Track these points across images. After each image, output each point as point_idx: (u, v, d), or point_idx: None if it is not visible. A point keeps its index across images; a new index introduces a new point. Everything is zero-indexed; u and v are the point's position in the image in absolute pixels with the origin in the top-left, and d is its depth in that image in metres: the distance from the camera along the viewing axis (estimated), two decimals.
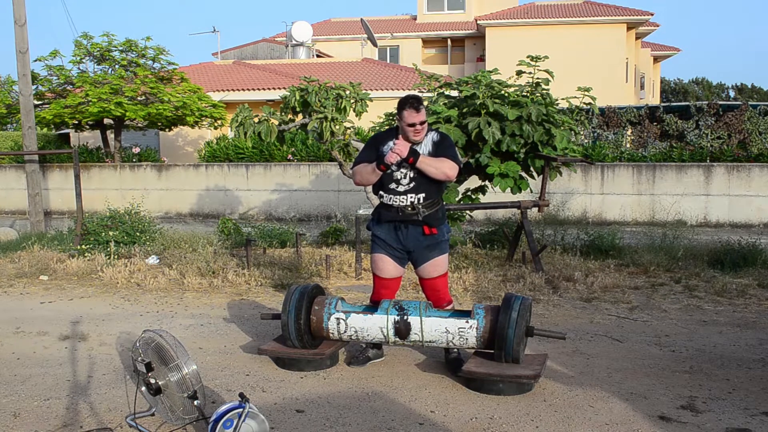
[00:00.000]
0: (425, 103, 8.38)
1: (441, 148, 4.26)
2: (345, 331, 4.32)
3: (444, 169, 4.17)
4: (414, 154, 4.12)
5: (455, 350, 4.41)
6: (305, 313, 4.35)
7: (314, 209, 15.33)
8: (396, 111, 4.31)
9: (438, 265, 4.36)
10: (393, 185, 4.25)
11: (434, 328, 4.15)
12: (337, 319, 4.32)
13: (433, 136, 4.33)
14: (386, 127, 9.32)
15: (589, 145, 15.27)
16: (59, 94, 16.76)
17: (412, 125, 4.17)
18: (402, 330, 4.19)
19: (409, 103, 4.18)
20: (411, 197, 4.22)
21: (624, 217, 14.02)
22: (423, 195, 4.22)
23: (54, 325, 5.57)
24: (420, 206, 4.23)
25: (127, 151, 18.19)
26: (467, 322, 4.12)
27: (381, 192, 4.35)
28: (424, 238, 4.30)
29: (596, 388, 4.06)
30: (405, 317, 4.19)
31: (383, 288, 4.47)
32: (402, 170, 4.22)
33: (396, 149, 4.09)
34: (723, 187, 13.82)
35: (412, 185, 4.21)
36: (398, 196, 4.24)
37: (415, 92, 9.69)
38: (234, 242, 9.36)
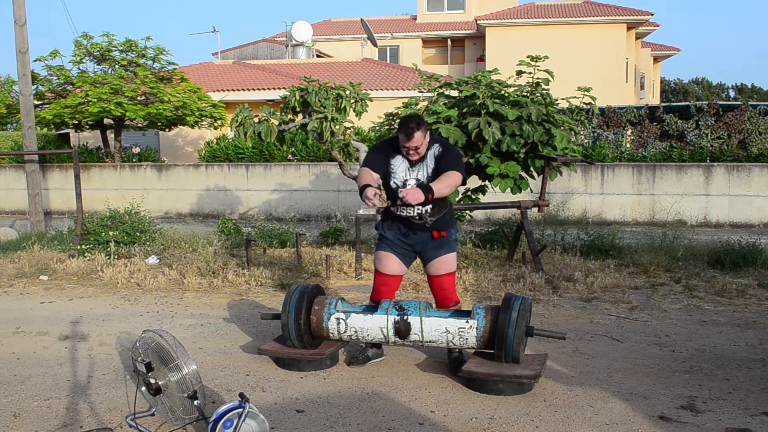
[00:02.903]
0: (424, 103, 8.39)
1: (443, 162, 4.18)
2: (345, 331, 4.32)
3: (454, 182, 4.12)
4: (427, 192, 3.99)
5: (457, 350, 4.41)
6: (305, 313, 4.35)
7: (314, 209, 15.33)
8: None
9: (446, 262, 4.37)
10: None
11: (434, 328, 4.15)
12: (337, 319, 4.32)
13: (435, 150, 4.24)
14: (386, 127, 9.33)
15: (589, 145, 15.27)
16: (59, 94, 16.76)
17: (406, 149, 4.16)
18: (402, 330, 4.19)
19: (402, 127, 4.11)
20: (418, 208, 4.22)
21: (624, 217, 14.02)
22: (429, 205, 4.22)
23: (54, 325, 5.57)
24: (427, 216, 4.25)
25: (127, 151, 18.19)
26: (467, 322, 4.12)
27: (389, 201, 4.40)
28: (433, 241, 4.35)
29: (596, 388, 4.06)
30: (405, 317, 4.19)
31: (383, 285, 4.47)
32: (406, 180, 4.21)
33: (407, 199, 3.93)
34: (723, 187, 13.81)
35: None
36: (405, 207, 4.22)
37: (415, 92, 9.68)
38: (234, 242, 9.36)
